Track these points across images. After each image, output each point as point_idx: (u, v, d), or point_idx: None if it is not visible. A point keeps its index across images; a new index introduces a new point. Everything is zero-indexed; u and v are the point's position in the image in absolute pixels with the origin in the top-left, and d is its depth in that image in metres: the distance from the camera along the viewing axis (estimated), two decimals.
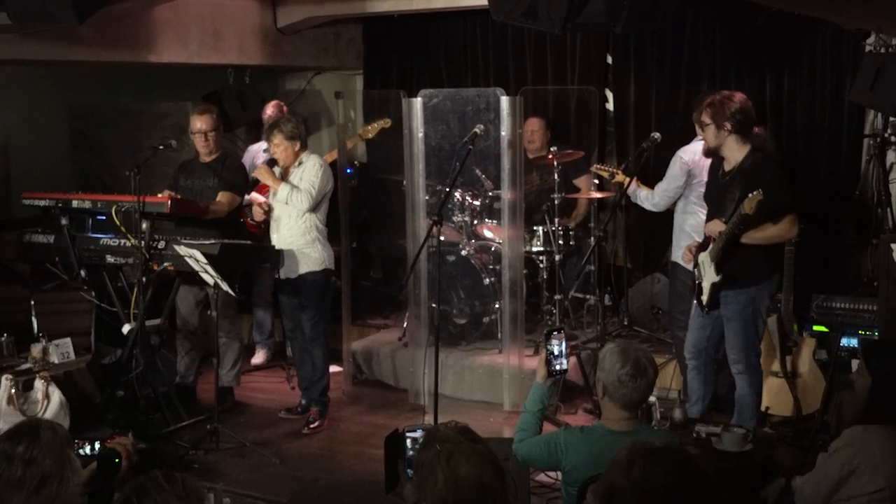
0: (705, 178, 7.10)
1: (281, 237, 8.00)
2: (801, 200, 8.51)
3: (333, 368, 9.06)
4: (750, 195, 6.13)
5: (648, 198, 7.75)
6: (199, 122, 8.23)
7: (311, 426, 8.07)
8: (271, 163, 8.03)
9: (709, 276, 6.68)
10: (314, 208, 7.90)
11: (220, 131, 8.38)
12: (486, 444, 3.59)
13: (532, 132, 9.58)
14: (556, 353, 5.01)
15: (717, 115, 6.55)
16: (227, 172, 8.32)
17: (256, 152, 9.85)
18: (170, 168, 8.70)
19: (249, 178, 8.13)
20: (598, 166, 8.47)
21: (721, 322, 6.83)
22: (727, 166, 6.69)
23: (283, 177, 7.96)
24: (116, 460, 4.22)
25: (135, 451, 4.31)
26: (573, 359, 8.16)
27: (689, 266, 7.09)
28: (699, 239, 7.01)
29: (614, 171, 8.09)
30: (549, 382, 5.05)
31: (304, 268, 7.97)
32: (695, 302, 6.97)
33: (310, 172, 7.90)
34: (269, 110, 9.81)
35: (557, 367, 5.02)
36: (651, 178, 8.92)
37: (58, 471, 3.82)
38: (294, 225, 7.95)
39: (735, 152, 6.60)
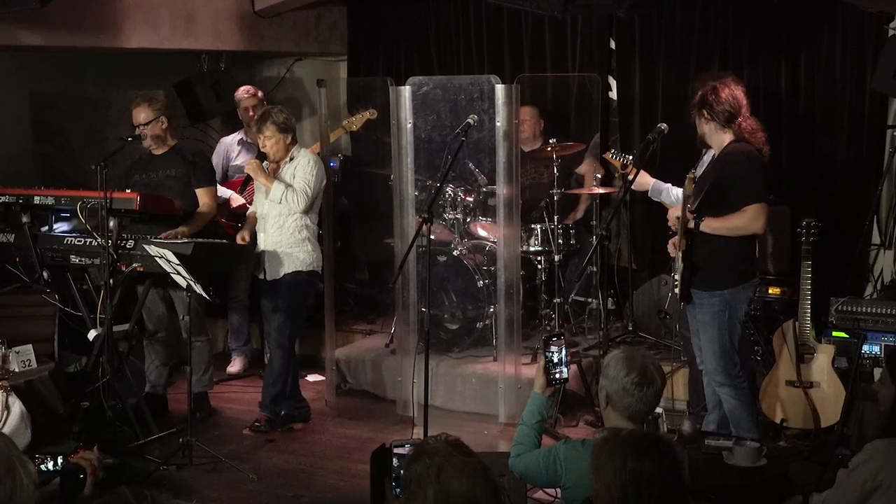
0: None
1: (269, 237, 8.05)
2: (818, 196, 8.57)
3: (315, 377, 9.09)
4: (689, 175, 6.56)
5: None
6: (135, 115, 8.21)
7: (254, 426, 8.19)
8: (261, 156, 8.00)
9: (678, 268, 6.91)
10: (309, 208, 7.93)
11: (163, 122, 8.26)
12: (479, 458, 3.59)
13: (522, 122, 9.58)
14: (555, 360, 5.00)
15: (699, 104, 6.97)
16: (200, 167, 8.32)
17: (230, 145, 9.82)
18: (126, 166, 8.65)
19: (245, 172, 8.12)
20: (611, 153, 8.44)
21: None
22: (714, 156, 7.11)
23: (273, 173, 7.97)
24: (81, 476, 4.22)
25: (100, 467, 4.30)
26: (573, 367, 8.15)
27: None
28: None
29: (627, 159, 8.09)
30: (549, 392, 5.05)
31: (290, 268, 8.01)
32: (688, 306, 7.14)
33: (304, 170, 7.95)
34: (244, 94, 9.76)
35: (557, 376, 5.02)
36: (658, 173, 8.92)
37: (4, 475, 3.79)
38: (284, 224, 8.00)
39: (716, 140, 7.00)
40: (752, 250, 7.14)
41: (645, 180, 7.80)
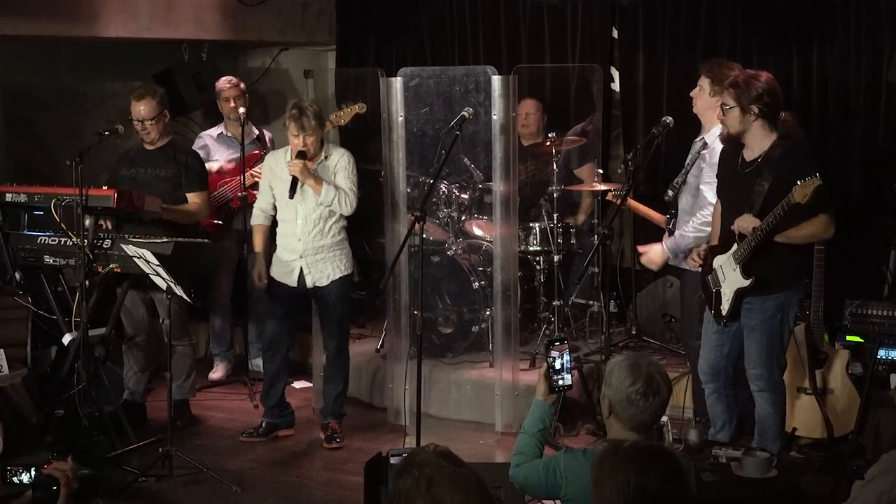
0: None
1: (308, 242, 7.92)
2: (833, 195, 8.56)
3: (302, 384, 9.09)
4: (801, 182, 6.04)
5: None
6: (138, 109, 8.17)
7: (338, 441, 8.13)
8: (301, 155, 7.79)
9: (732, 282, 6.62)
10: None
11: (166, 117, 8.28)
12: (471, 468, 3.57)
13: (527, 115, 9.58)
14: (557, 367, 4.97)
15: (742, 96, 6.49)
16: (192, 169, 8.31)
17: (208, 139, 9.75)
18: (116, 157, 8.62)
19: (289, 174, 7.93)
20: (614, 192, 8.49)
21: (739, 336, 6.81)
22: (749, 155, 6.64)
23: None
24: (54, 488, 4.19)
25: (75, 478, 4.27)
26: (574, 373, 8.13)
27: (696, 271, 7.10)
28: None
29: (620, 191, 8.11)
30: (552, 399, 5.02)
31: (336, 274, 8.02)
32: (708, 315, 6.95)
33: (346, 169, 7.93)
34: (226, 85, 9.70)
35: (560, 383, 4.99)
36: (663, 169, 8.90)
37: None
38: (325, 227, 7.95)
39: (760, 139, 6.56)
40: (809, 251, 7.06)
41: (658, 258, 7.68)
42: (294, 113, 7.80)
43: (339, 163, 7.93)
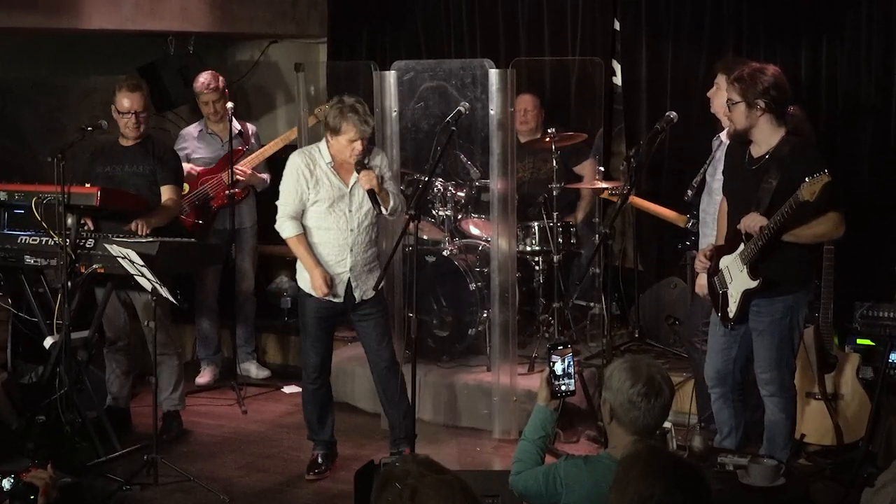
0: None
1: (358, 255, 7.55)
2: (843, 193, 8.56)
3: (292, 389, 9.04)
4: (808, 179, 5.99)
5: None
6: (130, 101, 8.09)
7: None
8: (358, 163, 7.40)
9: (739, 283, 6.58)
10: None
11: (151, 111, 8.28)
12: (454, 474, 3.55)
13: (525, 111, 9.55)
14: (559, 371, 4.97)
15: (747, 91, 6.44)
16: (168, 165, 8.26)
17: (191, 136, 9.70)
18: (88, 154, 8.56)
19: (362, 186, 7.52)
20: (608, 192, 8.53)
21: (747, 340, 6.78)
22: (756, 152, 6.59)
23: (338, 173, 7.48)
24: (32, 497, 4.18)
25: (54, 486, 4.27)
26: (575, 377, 8.11)
27: (703, 273, 7.06)
28: None
29: (622, 190, 8.11)
30: (554, 405, 5.02)
31: (375, 284, 7.63)
32: (714, 318, 6.94)
33: (390, 171, 7.72)
34: (204, 89, 9.59)
35: (563, 388, 4.99)
36: (666, 167, 8.90)
37: None
38: (371, 237, 7.64)
39: (767, 135, 6.50)
40: (819, 251, 7.04)
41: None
42: (353, 117, 7.20)
43: (383, 164, 7.59)
